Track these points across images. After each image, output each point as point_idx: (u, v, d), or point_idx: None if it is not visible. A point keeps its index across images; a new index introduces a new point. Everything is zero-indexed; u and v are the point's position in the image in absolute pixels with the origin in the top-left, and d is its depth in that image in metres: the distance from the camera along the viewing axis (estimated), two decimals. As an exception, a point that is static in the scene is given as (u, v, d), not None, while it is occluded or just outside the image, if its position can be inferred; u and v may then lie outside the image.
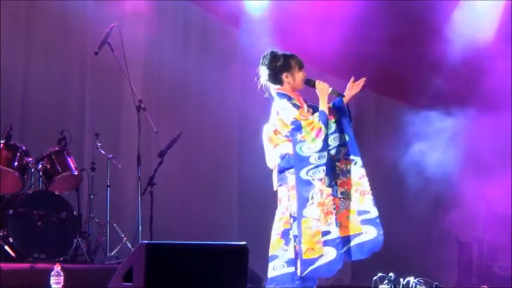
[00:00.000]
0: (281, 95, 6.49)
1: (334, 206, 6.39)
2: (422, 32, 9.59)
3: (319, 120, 6.38)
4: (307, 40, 9.23)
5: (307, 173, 6.36)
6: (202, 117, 10.13)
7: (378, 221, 6.40)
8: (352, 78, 6.58)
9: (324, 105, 6.47)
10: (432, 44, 9.66)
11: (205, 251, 5.73)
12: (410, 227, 10.06)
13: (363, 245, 6.39)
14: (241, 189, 10.26)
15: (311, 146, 6.34)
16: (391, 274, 7.02)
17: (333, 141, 6.44)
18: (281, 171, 6.48)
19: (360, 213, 6.41)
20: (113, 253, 8.70)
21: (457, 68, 9.64)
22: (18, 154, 8.35)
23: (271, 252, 6.43)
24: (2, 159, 8.23)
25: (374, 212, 6.41)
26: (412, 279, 6.99)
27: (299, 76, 6.55)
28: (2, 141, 8.30)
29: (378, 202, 9.60)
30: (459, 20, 9.75)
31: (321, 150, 6.36)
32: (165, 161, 8.72)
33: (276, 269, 6.41)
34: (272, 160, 6.54)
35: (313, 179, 6.35)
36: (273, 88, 6.55)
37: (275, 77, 6.53)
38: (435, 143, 9.84)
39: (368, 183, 6.45)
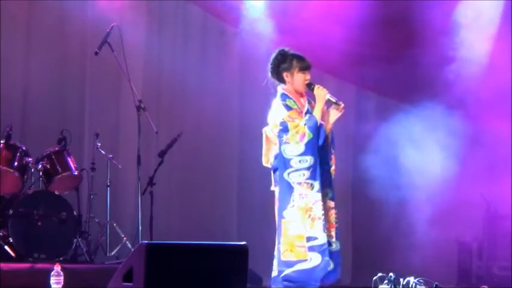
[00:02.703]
0: (281, 95, 6.58)
1: (323, 212, 6.39)
2: (423, 31, 9.58)
3: (305, 124, 6.39)
4: (307, 40, 9.22)
5: (288, 175, 6.40)
6: (202, 117, 10.12)
7: (326, 247, 6.37)
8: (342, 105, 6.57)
9: (317, 111, 6.50)
10: (433, 43, 9.66)
11: (205, 251, 5.73)
12: (410, 227, 10.05)
13: (306, 272, 6.35)
14: (241, 189, 10.26)
15: (293, 148, 6.39)
16: (391, 274, 7.01)
17: (299, 164, 6.43)
18: (274, 170, 6.54)
19: (309, 239, 6.36)
20: (113, 253, 8.70)
21: (458, 67, 9.65)
22: (18, 154, 8.35)
23: (274, 252, 6.51)
24: (2, 159, 8.23)
25: (322, 239, 6.36)
26: (412, 279, 6.99)
27: (298, 77, 6.57)
28: (2, 141, 8.30)
29: (376, 201, 9.60)
30: (459, 19, 9.76)
31: (302, 155, 6.39)
32: (165, 161, 8.72)
33: (274, 269, 6.47)
34: (269, 159, 6.61)
35: (292, 182, 6.38)
36: (279, 87, 6.63)
37: (278, 75, 6.65)
38: (435, 143, 9.84)
39: (321, 208, 6.39)
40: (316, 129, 6.42)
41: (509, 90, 9.67)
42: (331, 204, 6.52)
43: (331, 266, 6.43)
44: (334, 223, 6.49)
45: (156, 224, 8.39)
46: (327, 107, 6.59)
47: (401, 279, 7.01)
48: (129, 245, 8.54)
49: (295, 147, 6.39)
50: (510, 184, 9.70)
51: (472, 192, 9.97)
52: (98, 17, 9.36)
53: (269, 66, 6.66)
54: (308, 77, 6.59)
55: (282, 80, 6.63)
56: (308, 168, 6.38)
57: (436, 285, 6.94)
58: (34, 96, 9.40)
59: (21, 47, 9.41)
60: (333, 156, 6.60)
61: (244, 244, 5.84)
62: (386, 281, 6.99)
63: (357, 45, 9.72)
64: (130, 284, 5.43)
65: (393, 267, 7.45)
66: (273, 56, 6.65)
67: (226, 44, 10.31)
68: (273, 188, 6.59)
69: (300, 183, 6.38)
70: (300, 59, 6.61)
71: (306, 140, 6.39)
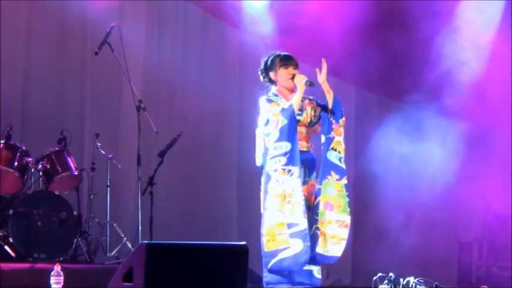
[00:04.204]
0: (271, 94, 6.64)
1: (304, 198, 6.38)
2: (423, 31, 9.59)
3: (279, 111, 6.45)
4: (307, 39, 9.23)
5: (267, 164, 6.43)
6: (202, 117, 10.13)
7: (306, 232, 6.36)
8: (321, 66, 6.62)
9: (295, 98, 6.53)
10: (433, 43, 9.67)
11: (205, 251, 5.73)
12: (410, 227, 10.06)
13: (288, 259, 6.36)
14: (241, 189, 10.26)
15: (272, 137, 6.43)
16: (391, 274, 7.01)
17: (275, 151, 6.43)
18: (262, 168, 6.57)
19: (290, 226, 6.36)
20: (112, 253, 8.70)
21: (458, 67, 9.65)
22: (18, 154, 8.34)
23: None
24: (2, 159, 8.23)
25: (303, 224, 6.35)
26: (412, 279, 6.99)
27: (281, 73, 6.67)
28: (2, 141, 8.30)
29: (376, 201, 9.59)
30: (459, 19, 9.77)
31: (277, 141, 6.42)
32: (165, 161, 8.72)
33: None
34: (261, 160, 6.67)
35: (269, 170, 6.42)
36: (272, 88, 6.71)
37: (268, 77, 6.77)
38: (435, 142, 9.84)
39: (302, 194, 6.38)
40: (292, 115, 6.44)
41: (509, 90, 9.67)
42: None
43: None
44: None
45: (156, 224, 8.39)
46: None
47: (401, 279, 7.01)
48: (129, 245, 8.54)
49: (273, 135, 6.44)
50: (510, 184, 9.70)
51: (472, 192, 9.97)
52: (98, 17, 9.36)
53: (259, 72, 6.76)
54: (292, 71, 6.64)
55: (272, 81, 6.77)
56: (284, 154, 6.39)
57: (436, 285, 6.94)
58: (34, 96, 9.40)
59: (21, 47, 9.40)
60: (334, 127, 6.58)
61: (244, 244, 5.83)
62: (386, 281, 6.99)
63: (357, 45, 9.72)
64: (130, 284, 5.43)
65: (393, 267, 7.45)
66: (261, 60, 6.78)
67: (226, 44, 10.31)
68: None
69: (276, 170, 6.39)
70: (282, 56, 6.71)
71: (280, 125, 6.43)
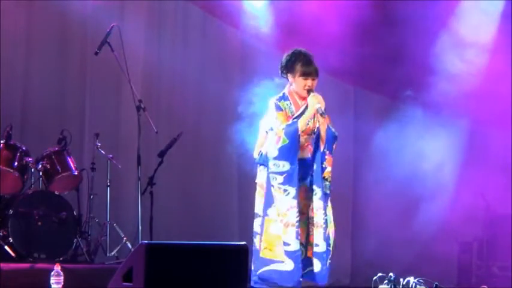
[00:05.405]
0: (281, 95, 6.57)
1: (298, 219, 6.33)
2: (422, 31, 9.60)
3: (283, 128, 6.35)
4: (307, 39, 9.22)
5: (268, 176, 6.41)
6: (202, 117, 10.12)
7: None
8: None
9: (302, 118, 6.41)
10: (432, 43, 9.67)
11: (205, 251, 5.74)
12: (410, 227, 10.05)
13: (281, 273, 6.33)
14: (241, 188, 10.25)
15: (271, 150, 6.37)
16: (391, 274, 7.01)
17: (274, 167, 6.38)
18: (258, 164, 6.56)
19: (284, 244, 6.33)
20: (113, 253, 8.70)
21: (457, 67, 9.66)
22: (18, 154, 8.35)
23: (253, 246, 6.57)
24: (2, 159, 8.23)
25: (294, 246, 6.31)
26: (412, 279, 6.99)
27: (298, 82, 6.52)
28: (2, 141, 8.30)
29: (375, 201, 9.60)
30: (459, 18, 9.78)
31: (276, 159, 6.34)
32: (165, 161, 8.72)
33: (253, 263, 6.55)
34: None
35: (270, 183, 6.38)
36: (287, 85, 6.63)
37: (285, 74, 6.62)
38: (435, 141, 9.84)
39: (296, 215, 6.31)
40: (295, 136, 6.34)
41: (509, 89, 9.68)
42: (320, 204, 6.47)
43: (319, 267, 6.42)
44: (321, 224, 6.43)
45: (156, 224, 8.39)
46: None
47: (401, 279, 7.01)
48: (129, 245, 8.54)
49: (271, 149, 6.38)
50: (510, 184, 9.71)
51: (472, 192, 9.97)
52: (98, 17, 9.36)
53: (279, 66, 6.66)
54: (310, 83, 6.50)
55: (288, 80, 6.66)
56: (281, 174, 6.33)
57: (436, 285, 6.94)
58: (34, 96, 9.40)
59: (21, 47, 9.40)
60: (327, 157, 6.48)
61: (244, 244, 5.84)
62: (386, 281, 6.99)
63: (356, 45, 9.72)
64: (131, 284, 5.44)
65: (393, 267, 7.45)
66: (285, 54, 6.63)
67: (226, 44, 10.30)
68: (256, 180, 6.61)
69: (273, 186, 6.36)
70: (304, 64, 6.52)
71: (280, 144, 6.34)
